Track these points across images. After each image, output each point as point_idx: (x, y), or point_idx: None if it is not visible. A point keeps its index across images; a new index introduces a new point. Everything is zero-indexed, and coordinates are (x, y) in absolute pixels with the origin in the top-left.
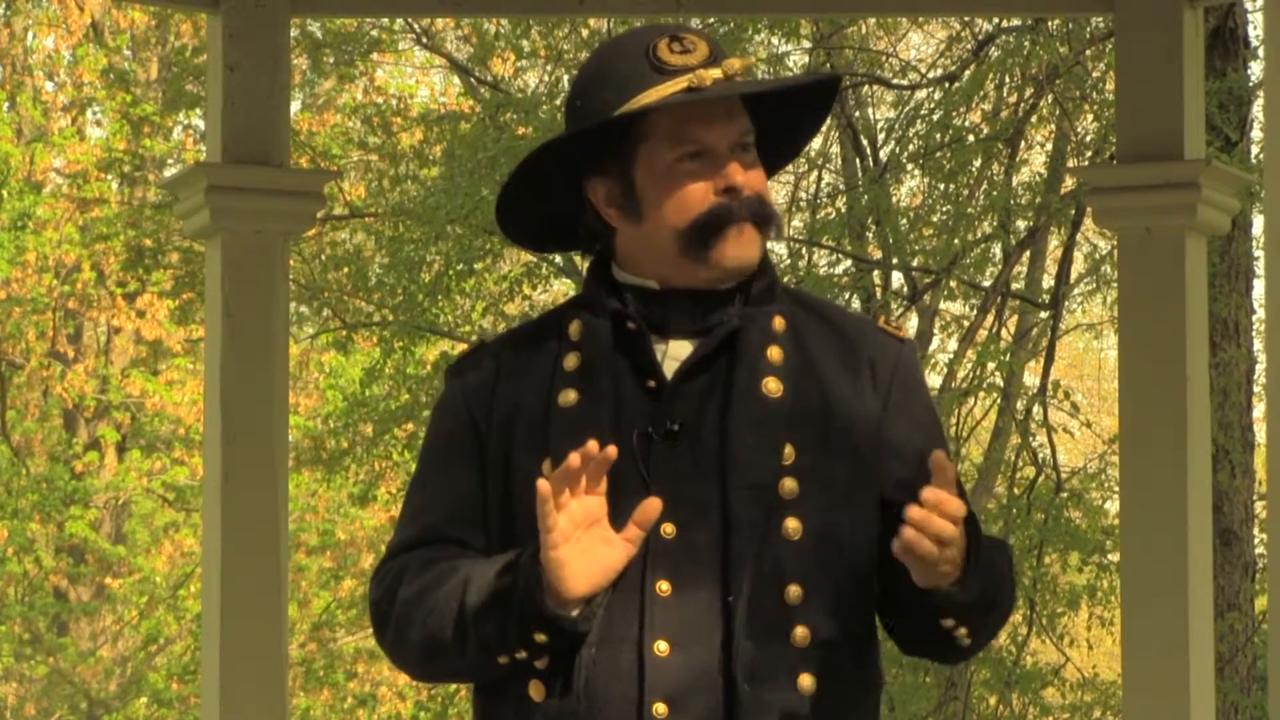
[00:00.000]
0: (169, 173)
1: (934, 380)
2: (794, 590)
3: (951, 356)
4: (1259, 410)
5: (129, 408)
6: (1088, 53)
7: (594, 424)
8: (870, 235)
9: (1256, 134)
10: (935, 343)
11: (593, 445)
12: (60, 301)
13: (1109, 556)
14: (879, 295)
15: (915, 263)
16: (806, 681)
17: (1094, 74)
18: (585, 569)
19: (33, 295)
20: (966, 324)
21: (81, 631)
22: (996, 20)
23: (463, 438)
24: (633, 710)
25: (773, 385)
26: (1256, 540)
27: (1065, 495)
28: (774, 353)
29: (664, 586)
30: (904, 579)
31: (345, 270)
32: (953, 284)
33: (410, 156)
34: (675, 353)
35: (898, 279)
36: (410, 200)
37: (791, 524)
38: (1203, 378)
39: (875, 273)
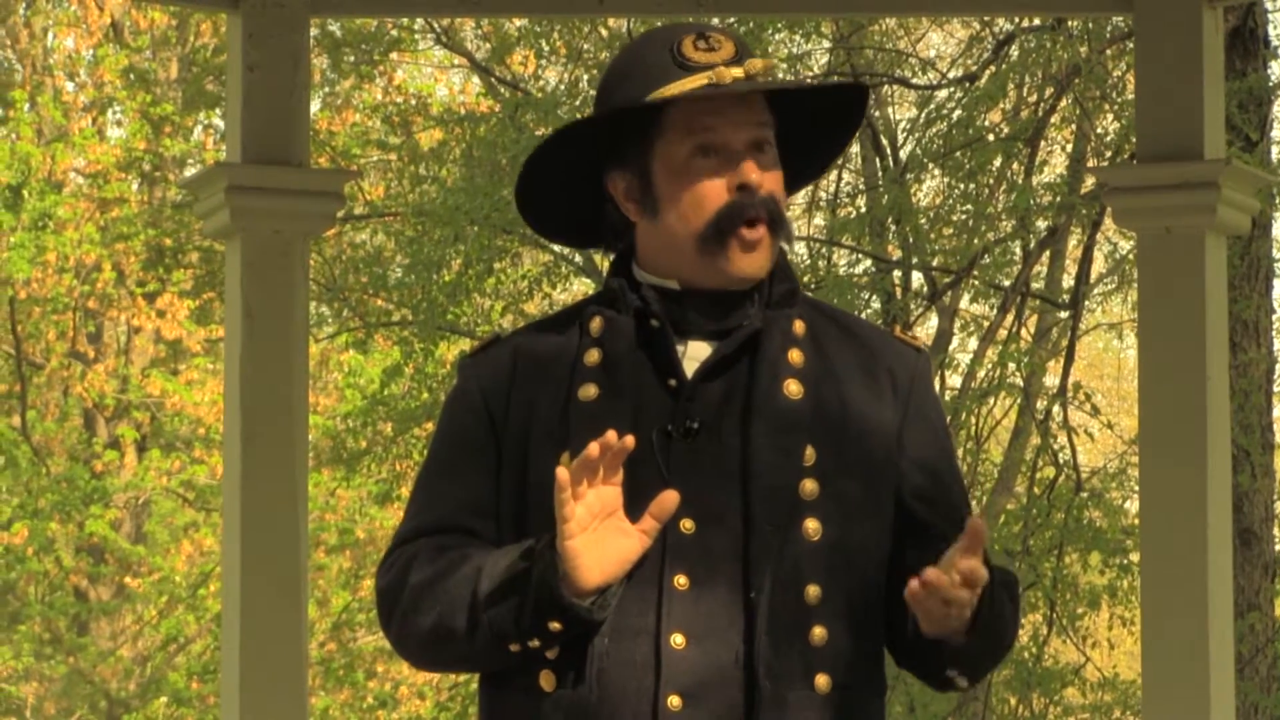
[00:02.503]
0: (189, 172)
1: (954, 380)
2: (813, 590)
3: (971, 356)
4: (1279, 410)
5: (149, 407)
6: (1107, 53)
7: (614, 419)
8: (890, 235)
9: (1277, 134)
10: (955, 342)
11: (611, 435)
12: (80, 301)
13: (1129, 557)
14: (899, 295)
15: (935, 262)
16: (823, 681)
17: (1114, 74)
18: (600, 559)
19: (53, 295)
20: (986, 324)
21: (101, 631)
22: (1016, 20)
23: (478, 430)
24: (647, 702)
25: (794, 388)
26: (1276, 540)
27: (1085, 495)
28: (795, 356)
29: (682, 580)
30: (914, 619)
31: (366, 270)
32: (973, 284)
33: (430, 157)
34: (695, 353)
35: (918, 279)
36: (430, 200)
37: (811, 525)
38: (1223, 377)
39: (895, 272)
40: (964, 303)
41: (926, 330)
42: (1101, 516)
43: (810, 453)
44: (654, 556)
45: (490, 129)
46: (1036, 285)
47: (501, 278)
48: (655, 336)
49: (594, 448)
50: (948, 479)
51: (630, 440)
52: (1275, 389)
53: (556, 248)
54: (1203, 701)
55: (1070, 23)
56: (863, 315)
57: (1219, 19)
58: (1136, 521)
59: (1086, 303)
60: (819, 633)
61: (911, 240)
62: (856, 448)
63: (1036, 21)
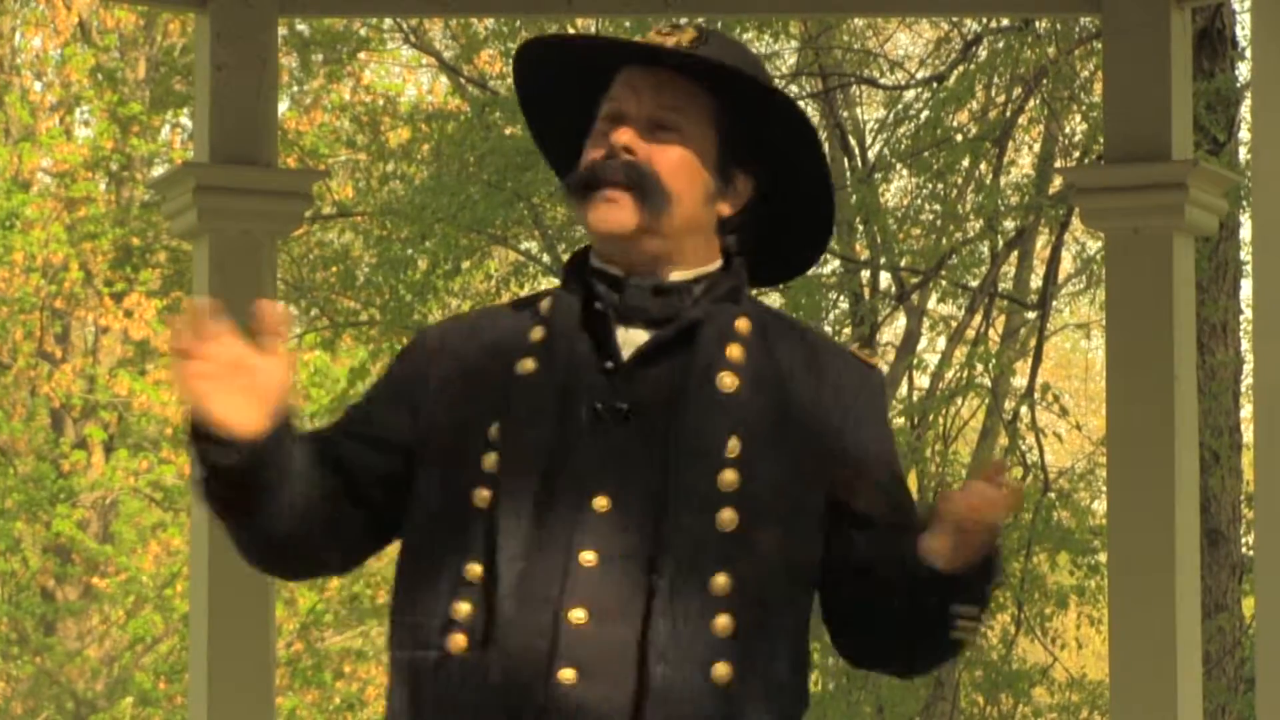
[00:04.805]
0: (157, 172)
1: (922, 381)
2: (720, 580)
3: (940, 357)
4: (1246, 411)
5: (116, 407)
6: (1076, 53)
7: (548, 394)
8: (858, 235)
9: (1245, 135)
10: (923, 343)
11: (261, 304)
12: (47, 301)
13: (1098, 557)
14: (867, 295)
15: (903, 263)
16: (722, 670)
17: (1082, 75)
18: (231, 400)
19: (20, 295)
20: (954, 324)
21: (68, 631)
22: (985, 21)
23: (410, 383)
24: (541, 672)
25: (727, 380)
26: (1244, 541)
27: (1053, 495)
28: (733, 350)
29: (589, 557)
30: (925, 568)
31: (333, 269)
32: (941, 284)
33: (398, 155)
34: (634, 339)
35: (886, 279)
36: (398, 200)
37: (727, 515)
38: (1190, 377)
39: (863, 273)
40: (932, 303)
41: (894, 330)
42: (1069, 517)
43: (734, 444)
44: (565, 529)
45: (458, 128)
46: (1004, 285)
47: (469, 277)
48: (598, 318)
49: (203, 309)
50: (890, 484)
51: (275, 308)
52: (1242, 388)
53: (524, 246)
54: (1170, 702)
55: (1038, 23)
56: (830, 315)
57: (1187, 20)
58: (1104, 522)
59: (1054, 303)
60: (723, 622)
61: (880, 240)
62: (787, 445)
63: (1005, 22)
